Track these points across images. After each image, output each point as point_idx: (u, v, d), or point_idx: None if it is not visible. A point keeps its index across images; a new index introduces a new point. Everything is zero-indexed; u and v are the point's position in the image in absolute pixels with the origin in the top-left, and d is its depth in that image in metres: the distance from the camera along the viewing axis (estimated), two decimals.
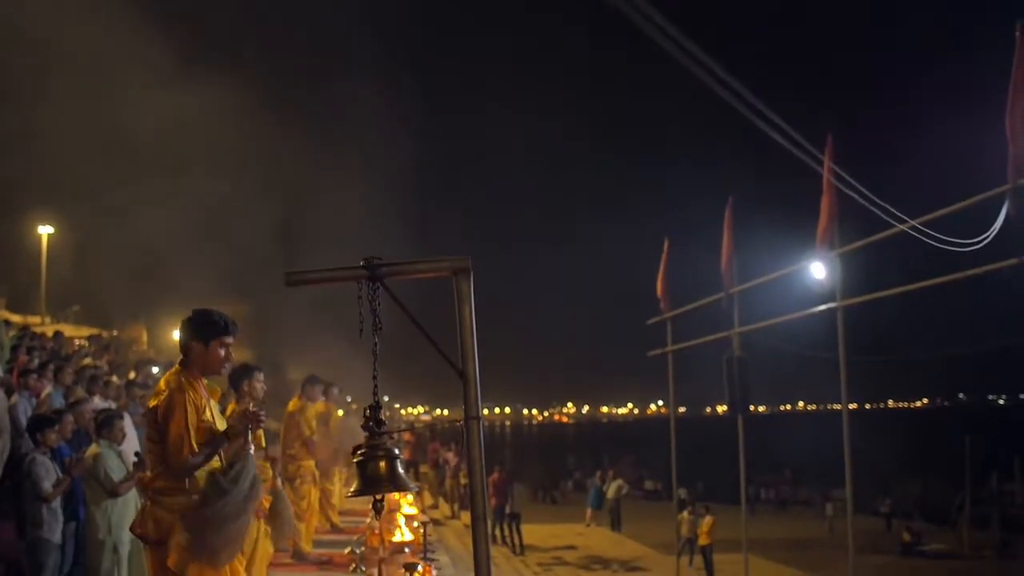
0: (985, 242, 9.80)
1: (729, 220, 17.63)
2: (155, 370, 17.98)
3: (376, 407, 3.96)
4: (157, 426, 5.37)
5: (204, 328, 5.57)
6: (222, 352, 5.60)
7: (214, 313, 5.64)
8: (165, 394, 5.40)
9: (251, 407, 6.10)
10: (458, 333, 3.98)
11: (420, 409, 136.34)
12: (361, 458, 3.93)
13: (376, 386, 3.96)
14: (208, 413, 5.52)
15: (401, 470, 3.96)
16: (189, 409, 5.35)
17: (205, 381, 5.69)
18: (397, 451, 3.95)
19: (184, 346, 5.58)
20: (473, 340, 3.97)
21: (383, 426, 3.96)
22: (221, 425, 5.58)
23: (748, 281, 17.56)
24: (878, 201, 10.19)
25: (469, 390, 3.96)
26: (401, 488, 3.98)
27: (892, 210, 10.24)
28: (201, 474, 5.48)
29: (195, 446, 5.32)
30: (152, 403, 5.48)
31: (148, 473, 5.63)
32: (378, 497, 4.06)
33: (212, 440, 5.43)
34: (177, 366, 5.59)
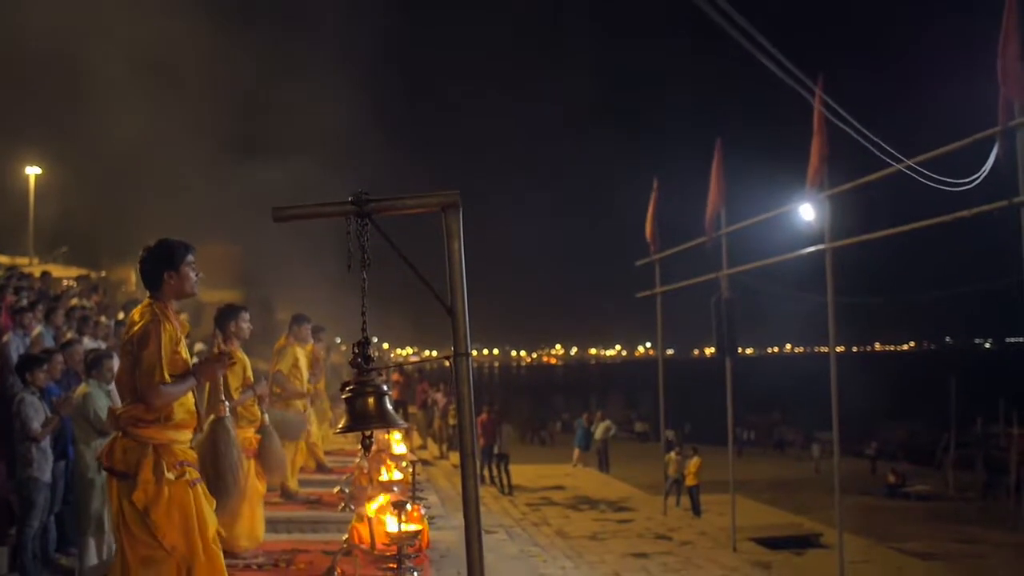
0: (976, 182, 9.81)
1: (718, 161, 17.60)
2: None
3: (365, 343, 3.95)
4: (133, 357, 5.34)
5: (172, 255, 5.55)
6: (192, 273, 5.60)
7: (170, 240, 5.63)
8: (140, 324, 5.38)
9: (218, 349, 6.07)
10: (446, 269, 3.96)
11: (409, 350, 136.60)
12: (349, 394, 3.93)
13: (365, 322, 3.95)
14: (183, 346, 5.51)
15: (390, 407, 3.96)
16: (164, 339, 5.32)
17: (180, 314, 5.70)
18: (386, 387, 3.95)
19: (154, 279, 5.54)
20: (462, 276, 3.95)
21: (372, 362, 3.95)
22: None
23: (738, 223, 17.55)
24: (872, 137, 10.16)
25: (458, 326, 3.95)
26: (390, 424, 3.97)
27: (885, 146, 10.21)
28: (179, 409, 5.45)
29: (167, 376, 5.29)
30: (128, 334, 5.45)
31: (119, 407, 5.58)
32: (367, 434, 4.06)
33: (184, 374, 5.42)
34: (148, 299, 5.55)
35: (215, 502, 5.54)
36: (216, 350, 6.69)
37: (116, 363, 9.36)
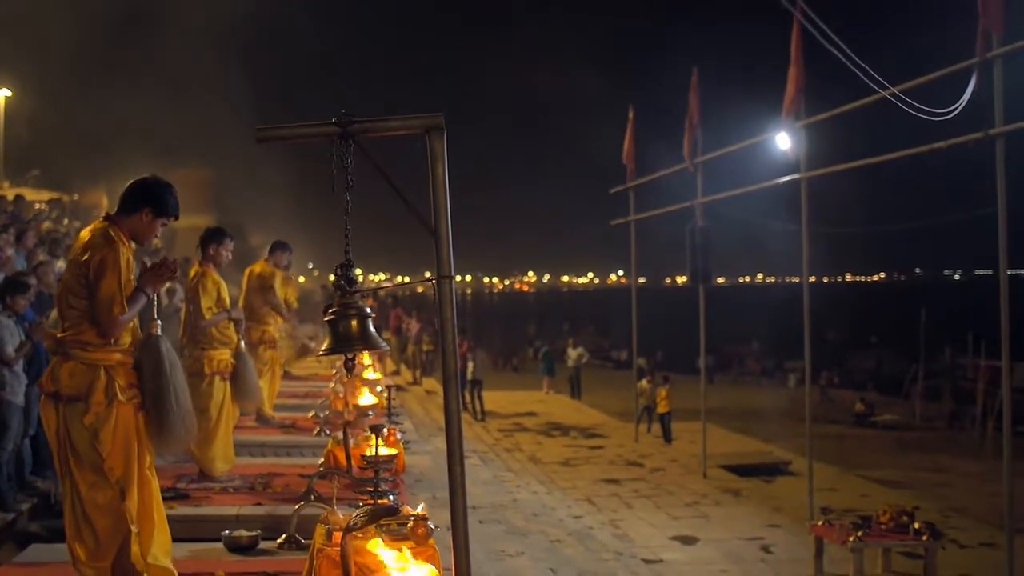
0: (956, 112, 9.83)
1: (695, 90, 17.49)
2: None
3: (348, 265, 3.94)
4: (86, 281, 5.20)
5: (164, 203, 5.42)
6: (159, 231, 5.53)
7: (173, 191, 5.48)
8: (98, 252, 5.23)
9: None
10: (430, 192, 3.95)
11: (381, 275, 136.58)
12: (332, 317, 3.93)
13: (348, 244, 3.94)
14: (133, 270, 5.42)
15: (373, 329, 3.96)
16: (122, 265, 5.21)
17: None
18: (369, 310, 3.95)
19: (131, 206, 5.40)
20: (446, 199, 3.94)
21: (354, 284, 3.95)
22: None
23: (715, 156, 17.45)
24: (856, 60, 10.13)
25: (441, 249, 3.95)
26: (373, 347, 3.98)
27: (870, 70, 10.19)
28: (126, 333, 5.39)
29: (125, 305, 5.19)
30: (83, 257, 5.26)
31: (60, 329, 5.46)
32: (349, 356, 4.06)
33: (135, 293, 5.29)
34: (105, 221, 5.40)
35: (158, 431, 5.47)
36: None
37: None
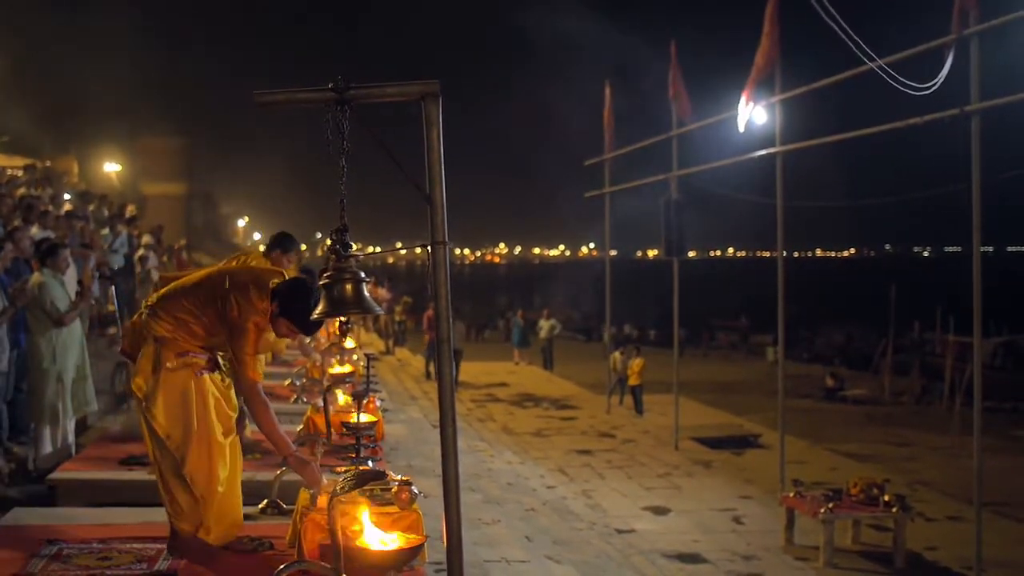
0: (936, 86, 9.90)
1: (675, 64, 17.47)
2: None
3: (343, 230, 3.96)
4: (227, 309, 5.21)
5: (288, 304, 5.30)
6: (285, 332, 5.43)
7: (310, 303, 5.21)
8: (258, 298, 5.29)
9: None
10: (425, 158, 3.98)
11: (354, 247, 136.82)
12: (327, 280, 3.95)
13: (343, 209, 3.96)
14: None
15: (367, 293, 4.00)
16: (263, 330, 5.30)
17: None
18: (363, 275, 3.98)
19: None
20: (441, 165, 3.98)
21: (349, 249, 3.98)
22: None
23: (691, 131, 17.43)
24: (851, 33, 10.16)
25: (436, 215, 3.99)
26: (367, 311, 4.00)
27: (860, 42, 10.22)
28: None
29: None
30: (241, 289, 5.29)
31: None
32: (344, 319, 4.11)
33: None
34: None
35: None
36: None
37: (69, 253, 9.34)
